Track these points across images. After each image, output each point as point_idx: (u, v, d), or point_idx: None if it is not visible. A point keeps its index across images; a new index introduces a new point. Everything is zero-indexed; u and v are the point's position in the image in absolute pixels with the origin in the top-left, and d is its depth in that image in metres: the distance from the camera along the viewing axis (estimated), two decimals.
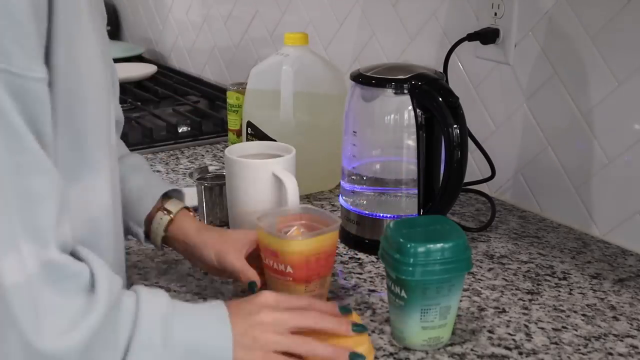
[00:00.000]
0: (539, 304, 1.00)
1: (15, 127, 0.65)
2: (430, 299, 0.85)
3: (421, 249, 0.84)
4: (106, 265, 0.74)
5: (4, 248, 0.64)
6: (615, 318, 0.97)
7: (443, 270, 0.84)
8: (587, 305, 1.00)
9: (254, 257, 0.96)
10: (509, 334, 0.93)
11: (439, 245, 0.84)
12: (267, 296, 0.82)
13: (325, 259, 0.94)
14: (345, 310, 0.85)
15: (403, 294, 0.86)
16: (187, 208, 1.02)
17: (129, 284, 1.03)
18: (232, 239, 0.97)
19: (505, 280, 1.06)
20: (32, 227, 0.66)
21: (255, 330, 0.78)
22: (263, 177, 1.04)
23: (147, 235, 1.00)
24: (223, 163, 1.17)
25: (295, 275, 0.92)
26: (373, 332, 0.92)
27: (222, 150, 1.58)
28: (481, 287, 1.04)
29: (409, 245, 0.84)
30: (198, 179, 1.22)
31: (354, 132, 1.14)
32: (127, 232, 1.00)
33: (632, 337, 0.93)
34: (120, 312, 0.71)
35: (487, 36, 1.30)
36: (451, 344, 0.90)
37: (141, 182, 1.00)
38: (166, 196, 1.01)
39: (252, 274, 0.93)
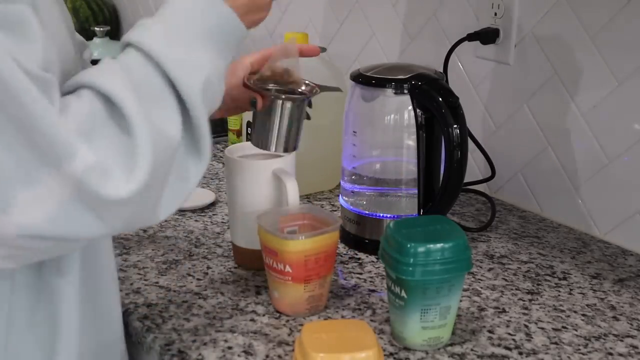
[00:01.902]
0: (539, 304, 1.00)
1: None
2: (430, 299, 0.85)
3: (421, 249, 0.84)
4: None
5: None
6: (615, 318, 0.97)
7: (443, 270, 0.84)
8: (587, 305, 1.00)
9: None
10: (509, 334, 0.93)
11: (439, 245, 0.84)
12: None
13: (324, 259, 0.94)
14: None
15: (403, 294, 0.86)
16: None
17: (129, 283, 1.04)
18: (230, 67, 0.98)
19: (505, 280, 1.06)
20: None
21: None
22: (263, 177, 1.04)
23: None
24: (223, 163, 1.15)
25: (294, 275, 0.92)
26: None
27: (222, 150, 1.58)
28: (481, 287, 1.04)
29: (409, 245, 0.84)
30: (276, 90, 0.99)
31: (354, 132, 1.14)
32: None
33: (632, 337, 0.93)
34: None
35: (487, 36, 1.30)
36: (451, 344, 0.90)
37: None
38: None
39: (252, 92, 0.96)
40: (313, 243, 0.92)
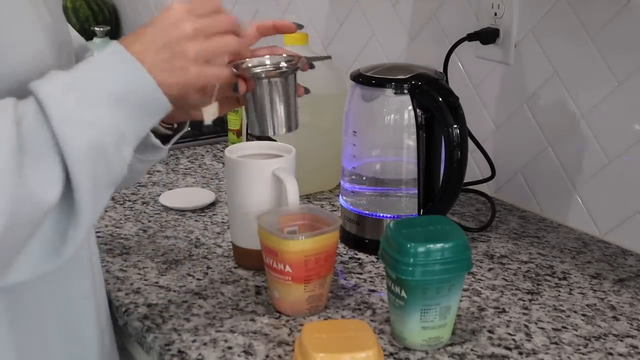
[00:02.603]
0: (539, 304, 1.00)
1: None
2: (430, 299, 0.85)
3: (421, 249, 0.84)
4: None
5: None
6: (615, 318, 0.97)
7: (443, 270, 0.84)
8: (587, 305, 1.00)
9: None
10: (509, 334, 0.93)
11: (439, 245, 0.84)
12: (173, 12, 0.77)
13: (324, 259, 0.94)
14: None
15: (403, 294, 0.86)
16: None
17: (129, 283, 1.04)
18: None
19: (505, 280, 1.06)
20: None
21: (177, 60, 0.75)
22: (263, 177, 1.04)
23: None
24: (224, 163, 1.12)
25: (294, 275, 0.92)
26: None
27: (222, 150, 1.58)
28: (481, 287, 1.04)
29: (409, 245, 0.84)
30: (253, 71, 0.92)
31: (354, 132, 1.14)
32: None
33: (632, 337, 0.93)
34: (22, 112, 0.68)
35: (487, 36, 1.30)
36: (451, 344, 0.90)
37: None
38: None
39: (233, 77, 0.86)
40: (313, 243, 0.92)
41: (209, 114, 0.88)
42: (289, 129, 0.93)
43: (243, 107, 1.42)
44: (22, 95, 0.70)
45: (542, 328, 0.94)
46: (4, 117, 0.66)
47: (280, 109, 0.91)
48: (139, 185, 1.39)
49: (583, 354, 0.89)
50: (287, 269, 0.92)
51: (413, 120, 1.09)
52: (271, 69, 0.91)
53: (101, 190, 0.71)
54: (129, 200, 1.33)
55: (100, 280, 0.93)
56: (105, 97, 0.70)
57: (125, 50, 0.73)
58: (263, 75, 0.90)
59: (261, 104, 0.90)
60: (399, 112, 1.10)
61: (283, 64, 0.92)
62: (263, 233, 0.95)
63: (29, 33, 0.74)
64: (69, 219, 0.70)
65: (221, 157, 1.55)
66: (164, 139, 0.96)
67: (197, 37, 0.77)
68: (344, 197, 1.17)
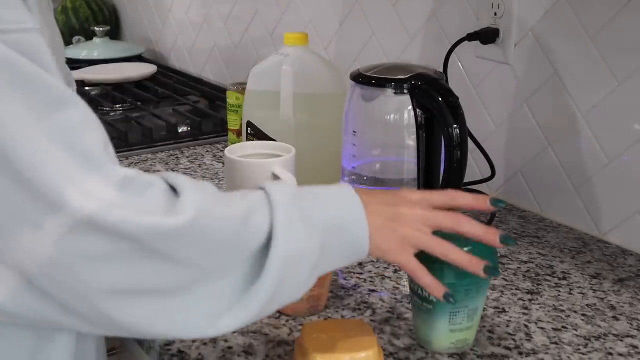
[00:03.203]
0: (539, 304, 1.00)
1: (31, 71, 0.63)
2: (460, 301, 0.85)
3: None
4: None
5: (71, 187, 0.61)
6: (615, 318, 0.97)
7: (472, 272, 0.84)
8: (587, 305, 1.00)
9: None
10: (509, 334, 0.93)
11: (469, 248, 0.83)
12: (410, 191, 0.80)
13: None
14: (497, 203, 0.83)
15: (432, 297, 0.85)
16: None
17: None
18: None
19: (505, 280, 1.06)
20: (86, 157, 0.63)
21: (395, 222, 0.77)
22: (263, 177, 1.04)
23: None
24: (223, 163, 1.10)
25: None
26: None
27: (222, 150, 1.58)
28: None
29: None
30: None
31: (354, 132, 1.14)
32: None
33: (632, 337, 0.93)
34: (251, 200, 0.71)
35: (487, 36, 1.30)
36: None
37: None
38: None
39: None
40: None
41: None
42: None
43: (243, 108, 1.42)
44: None
45: (542, 328, 0.94)
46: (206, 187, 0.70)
47: None
48: None
49: (583, 354, 0.89)
50: None
51: (413, 120, 1.09)
52: None
53: (274, 301, 0.71)
54: None
55: None
56: (323, 222, 0.73)
57: (353, 190, 0.76)
58: None
59: None
60: (399, 112, 1.10)
61: None
62: None
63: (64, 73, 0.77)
64: (240, 297, 0.69)
65: (221, 157, 1.55)
66: None
67: (425, 214, 0.79)
68: None
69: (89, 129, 0.65)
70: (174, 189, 0.68)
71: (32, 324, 0.68)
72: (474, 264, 0.79)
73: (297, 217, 0.70)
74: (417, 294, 0.87)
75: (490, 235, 0.79)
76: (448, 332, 0.86)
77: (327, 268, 0.75)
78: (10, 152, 0.60)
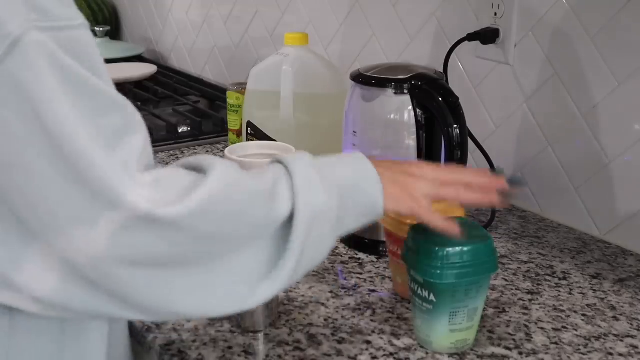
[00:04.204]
0: (539, 304, 1.00)
1: (80, 76, 0.64)
2: (459, 301, 0.85)
3: (451, 252, 0.83)
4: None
5: (123, 187, 0.64)
6: (615, 318, 0.97)
7: (472, 272, 0.84)
8: (587, 305, 1.00)
9: None
10: (509, 334, 0.93)
11: (468, 248, 0.84)
12: (418, 162, 0.87)
13: None
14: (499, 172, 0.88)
15: (432, 297, 0.85)
16: None
17: None
18: None
19: (505, 280, 1.06)
20: (125, 160, 0.65)
21: (406, 176, 0.81)
22: None
23: None
24: None
25: None
26: (373, 332, 0.92)
27: (222, 150, 1.58)
28: None
29: (437, 248, 0.83)
30: None
31: (354, 132, 1.14)
32: None
33: (632, 337, 0.93)
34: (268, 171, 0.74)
35: (487, 36, 1.30)
36: None
37: None
38: None
39: None
40: None
41: None
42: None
43: (243, 108, 1.42)
44: None
45: (542, 328, 0.94)
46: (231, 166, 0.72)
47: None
48: None
49: (583, 354, 0.89)
50: None
51: (413, 120, 1.09)
52: None
53: (302, 263, 0.73)
54: None
55: None
56: (338, 182, 0.76)
57: (365, 156, 0.80)
58: None
59: None
60: (399, 112, 1.10)
61: None
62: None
63: None
64: (269, 270, 0.72)
65: (221, 157, 1.55)
66: None
67: (433, 183, 0.83)
68: None
69: (129, 133, 0.67)
70: (199, 170, 0.71)
71: (79, 315, 0.71)
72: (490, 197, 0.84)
73: (315, 179, 0.73)
74: (417, 294, 0.87)
75: (494, 188, 0.85)
76: (448, 332, 0.86)
77: (345, 228, 0.77)
78: (70, 152, 0.62)
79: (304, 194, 0.72)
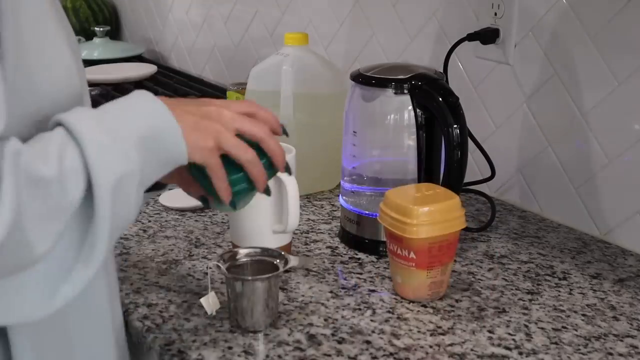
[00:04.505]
0: (539, 304, 1.00)
1: None
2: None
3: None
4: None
5: None
6: (615, 318, 0.97)
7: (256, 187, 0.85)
8: (587, 305, 1.00)
9: None
10: (509, 334, 0.93)
11: (264, 161, 0.84)
12: (212, 99, 0.81)
13: (447, 247, 0.98)
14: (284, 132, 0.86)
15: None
16: None
17: (129, 283, 1.04)
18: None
19: (505, 280, 1.06)
20: None
21: (205, 119, 0.77)
22: None
23: None
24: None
25: (417, 262, 0.96)
26: (373, 332, 0.92)
27: None
28: (481, 287, 1.04)
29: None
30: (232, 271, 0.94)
31: (354, 132, 1.14)
32: None
33: (632, 337, 0.93)
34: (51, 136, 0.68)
35: (487, 36, 1.30)
36: (451, 344, 0.90)
37: None
38: None
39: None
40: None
41: (209, 305, 0.92)
42: (271, 325, 0.94)
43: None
44: (55, 111, 0.71)
45: (542, 328, 0.94)
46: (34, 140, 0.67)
47: (263, 307, 0.92)
48: None
49: (583, 354, 0.89)
50: (412, 255, 0.96)
51: (413, 120, 1.09)
52: (263, 275, 0.92)
53: (114, 232, 0.70)
54: None
55: (115, 289, 0.91)
56: (134, 136, 0.71)
57: (153, 95, 0.74)
58: (249, 278, 0.92)
59: (245, 303, 0.92)
60: (399, 112, 1.10)
61: (276, 263, 0.95)
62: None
63: (61, 51, 0.75)
64: (80, 253, 0.68)
65: None
66: None
67: (233, 115, 0.80)
68: (344, 197, 1.17)
69: None
70: None
71: None
72: (261, 183, 0.83)
73: (107, 140, 0.68)
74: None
75: (279, 155, 0.84)
76: None
77: (150, 181, 0.74)
78: None
79: (99, 163, 0.67)
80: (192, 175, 0.83)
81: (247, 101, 0.83)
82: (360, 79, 1.12)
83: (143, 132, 0.71)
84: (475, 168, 1.36)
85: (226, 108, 0.80)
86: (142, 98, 0.75)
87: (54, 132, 0.69)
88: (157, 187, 0.99)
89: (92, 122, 0.69)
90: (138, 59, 2.33)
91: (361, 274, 1.07)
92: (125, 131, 0.70)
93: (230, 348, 0.89)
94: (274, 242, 1.05)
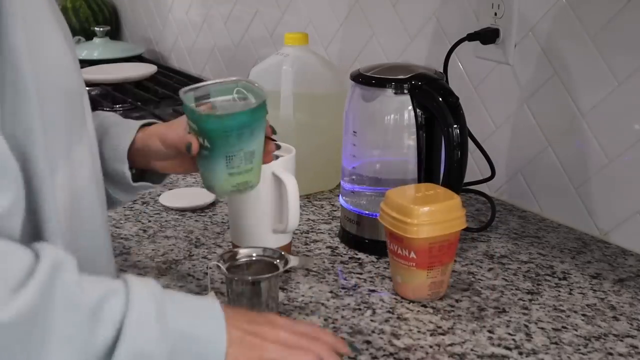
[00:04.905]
0: (539, 304, 1.00)
1: None
2: (233, 145, 0.86)
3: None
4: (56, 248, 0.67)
5: None
6: (615, 318, 0.97)
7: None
8: (587, 305, 1.00)
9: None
10: (509, 334, 0.93)
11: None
12: (276, 315, 0.79)
13: (448, 247, 0.97)
14: (353, 349, 0.84)
15: (207, 142, 0.87)
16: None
17: None
18: (174, 121, 0.95)
19: (505, 280, 1.06)
20: None
21: (256, 337, 0.74)
22: (263, 177, 1.04)
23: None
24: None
25: (418, 261, 0.96)
26: (373, 332, 0.92)
27: None
28: (481, 287, 1.04)
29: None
30: (232, 271, 0.95)
31: (354, 132, 1.14)
32: (113, 178, 0.94)
33: (632, 337, 0.93)
34: (109, 293, 0.67)
35: (487, 36, 1.30)
36: (451, 344, 0.90)
37: (118, 120, 0.98)
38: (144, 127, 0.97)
39: (189, 137, 0.89)
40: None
41: None
42: None
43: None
44: (56, 111, 0.72)
45: (542, 328, 0.94)
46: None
47: (264, 306, 0.93)
48: None
49: (583, 354, 0.89)
50: (412, 255, 0.96)
51: (413, 120, 1.09)
52: (262, 275, 0.93)
53: None
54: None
55: None
56: (179, 326, 0.68)
57: (219, 303, 0.73)
58: (249, 278, 0.93)
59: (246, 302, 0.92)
60: (399, 112, 1.10)
61: (276, 263, 0.96)
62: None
63: (61, 51, 0.75)
64: None
65: None
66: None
67: (285, 333, 0.76)
68: (344, 197, 1.17)
69: None
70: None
71: None
72: None
73: (153, 316, 0.67)
74: (200, 144, 0.88)
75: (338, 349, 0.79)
76: (227, 175, 0.88)
77: None
78: None
79: (135, 328, 0.65)
80: None
81: (312, 326, 0.81)
82: (360, 79, 1.12)
83: (187, 329, 0.69)
84: (475, 168, 1.36)
85: (283, 329, 0.76)
86: (207, 300, 0.73)
87: (115, 280, 0.69)
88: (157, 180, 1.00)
89: (151, 292, 0.68)
90: (138, 59, 2.33)
91: (361, 274, 1.07)
92: (174, 319, 0.69)
93: None
94: (274, 242, 1.05)
